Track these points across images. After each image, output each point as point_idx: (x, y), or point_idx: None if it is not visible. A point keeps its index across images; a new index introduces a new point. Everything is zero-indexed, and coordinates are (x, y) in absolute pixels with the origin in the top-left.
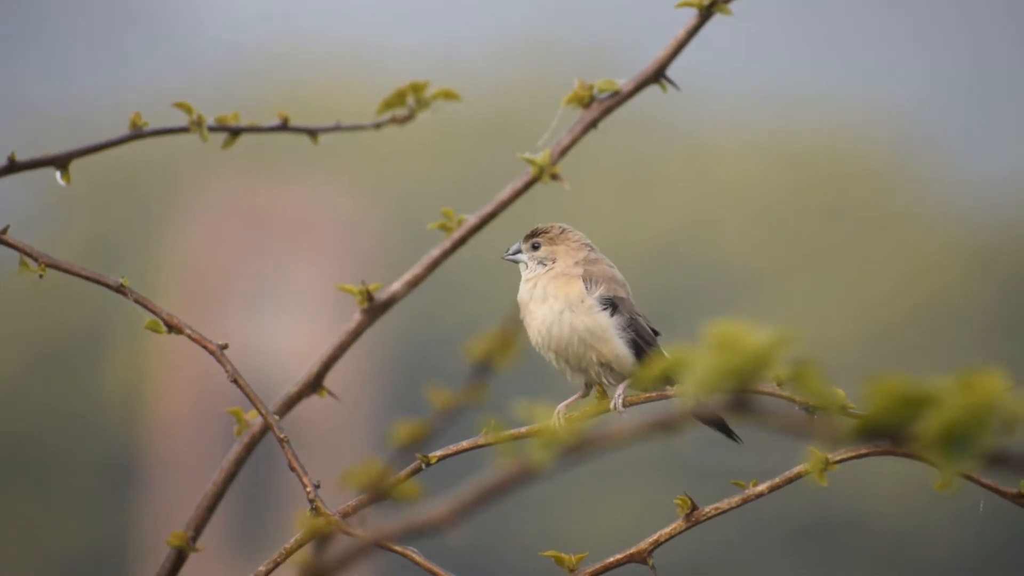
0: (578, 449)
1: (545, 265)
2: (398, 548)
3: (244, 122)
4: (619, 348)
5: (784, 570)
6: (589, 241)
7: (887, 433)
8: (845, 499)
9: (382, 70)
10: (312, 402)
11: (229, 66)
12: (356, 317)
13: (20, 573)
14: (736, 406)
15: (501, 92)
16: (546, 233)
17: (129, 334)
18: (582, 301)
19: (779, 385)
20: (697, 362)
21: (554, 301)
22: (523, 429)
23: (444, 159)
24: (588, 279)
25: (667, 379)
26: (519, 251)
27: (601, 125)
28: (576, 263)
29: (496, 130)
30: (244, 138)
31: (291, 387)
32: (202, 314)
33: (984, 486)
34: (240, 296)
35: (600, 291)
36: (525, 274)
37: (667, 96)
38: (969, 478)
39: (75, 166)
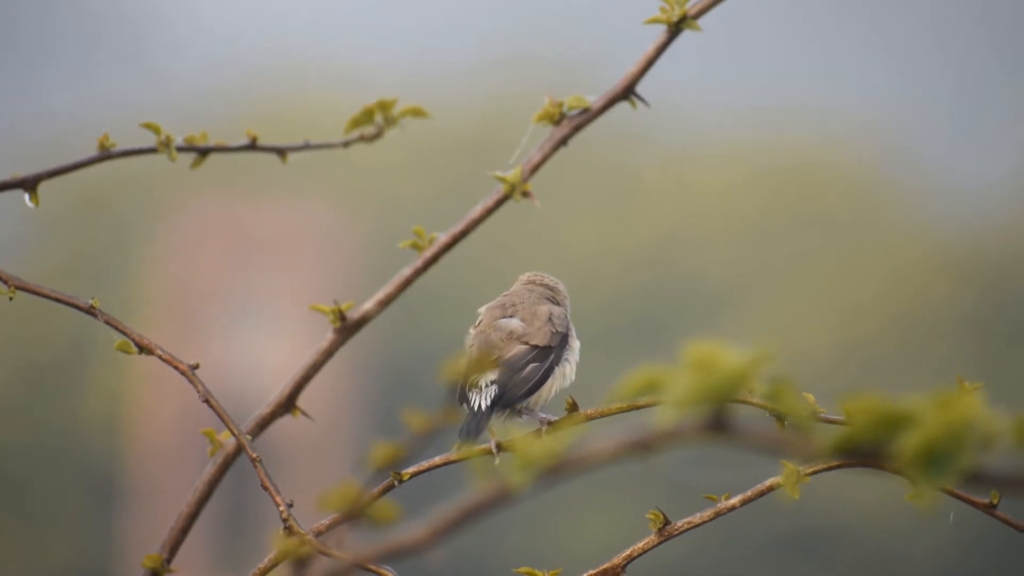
0: (556, 470)
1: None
2: (374, 567)
3: (213, 141)
4: None
5: None
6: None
7: (865, 451)
8: (823, 510)
9: (358, 85)
10: (291, 420)
11: (205, 84)
12: (328, 336)
13: None
14: (714, 425)
15: (479, 106)
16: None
17: (110, 354)
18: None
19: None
20: (674, 382)
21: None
22: (493, 444)
23: (423, 174)
24: None
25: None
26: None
27: (581, 135)
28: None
29: (475, 144)
30: (222, 155)
31: (263, 407)
32: (182, 332)
33: (956, 496)
34: (220, 313)
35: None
36: None
37: (646, 108)
38: (942, 490)
39: (51, 185)
